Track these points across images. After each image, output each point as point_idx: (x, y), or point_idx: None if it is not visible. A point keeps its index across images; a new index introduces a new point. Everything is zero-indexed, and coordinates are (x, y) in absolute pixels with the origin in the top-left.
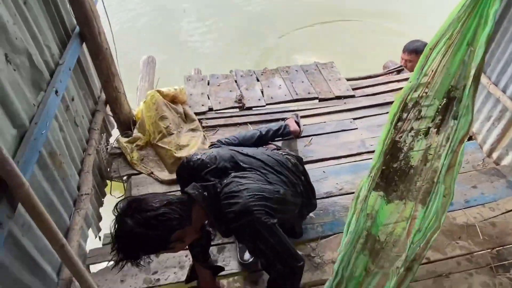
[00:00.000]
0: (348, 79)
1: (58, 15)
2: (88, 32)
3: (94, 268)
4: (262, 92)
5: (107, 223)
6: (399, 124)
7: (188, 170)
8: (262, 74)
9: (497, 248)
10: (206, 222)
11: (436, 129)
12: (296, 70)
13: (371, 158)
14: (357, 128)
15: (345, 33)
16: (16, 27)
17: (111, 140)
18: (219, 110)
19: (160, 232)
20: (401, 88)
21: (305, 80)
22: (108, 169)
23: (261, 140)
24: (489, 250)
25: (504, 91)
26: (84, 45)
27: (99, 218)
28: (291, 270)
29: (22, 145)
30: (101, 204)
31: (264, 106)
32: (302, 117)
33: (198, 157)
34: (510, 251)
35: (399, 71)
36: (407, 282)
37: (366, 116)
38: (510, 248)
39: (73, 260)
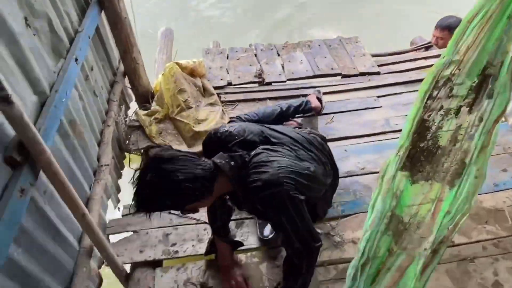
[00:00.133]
0: (373, 55)
1: None
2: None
3: (114, 238)
4: (282, 67)
5: (126, 195)
6: (429, 102)
7: (215, 142)
8: (283, 49)
9: None
10: (228, 197)
11: (468, 108)
12: (319, 45)
13: (396, 138)
14: (381, 107)
15: (369, 6)
16: None
17: (129, 112)
18: (238, 84)
19: (175, 201)
20: (429, 66)
21: (328, 56)
22: (127, 142)
23: (281, 117)
24: None
25: None
26: (103, 14)
27: (118, 189)
28: (309, 249)
29: (43, 113)
30: (119, 176)
31: (284, 81)
32: (324, 93)
33: (226, 129)
34: None
35: (427, 48)
36: (433, 264)
37: (391, 94)
38: None
39: (94, 229)
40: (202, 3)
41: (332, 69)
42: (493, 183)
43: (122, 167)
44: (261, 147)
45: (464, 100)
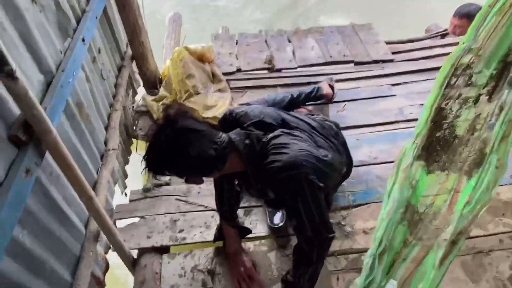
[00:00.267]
0: (387, 43)
1: None
2: None
3: (121, 223)
4: (293, 53)
5: (133, 181)
6: (446, 90)
7: (230, 122)
8: (294, 35)
9: None
10: (236, 182)
11: (488, 97)
12: (331, 31)
13: (410, 127)
14: (395, 95)
15: None
16: None
17: (137, 98)
18: (248, 71)
19: (182, 172)
20: (445, 54)
21: (340, 42)
22: (134, 127)
23: (292, 104)
24: None
25: None
26: None
27: (125, 175)
28: (321, 239)
29: (49, 92)
30: (127, 161)
31: (295, 68)
32: (336, 81)
33: (243, 109)
34: None
35: (443, 36)
36: (453, 254)
37: (405, 82)
38: None
39: (101, 213)
40: None
41: (344, 56)
42: (510, 175)
43: (130, 153)
44: (280, 130)
45: (484, 88)
